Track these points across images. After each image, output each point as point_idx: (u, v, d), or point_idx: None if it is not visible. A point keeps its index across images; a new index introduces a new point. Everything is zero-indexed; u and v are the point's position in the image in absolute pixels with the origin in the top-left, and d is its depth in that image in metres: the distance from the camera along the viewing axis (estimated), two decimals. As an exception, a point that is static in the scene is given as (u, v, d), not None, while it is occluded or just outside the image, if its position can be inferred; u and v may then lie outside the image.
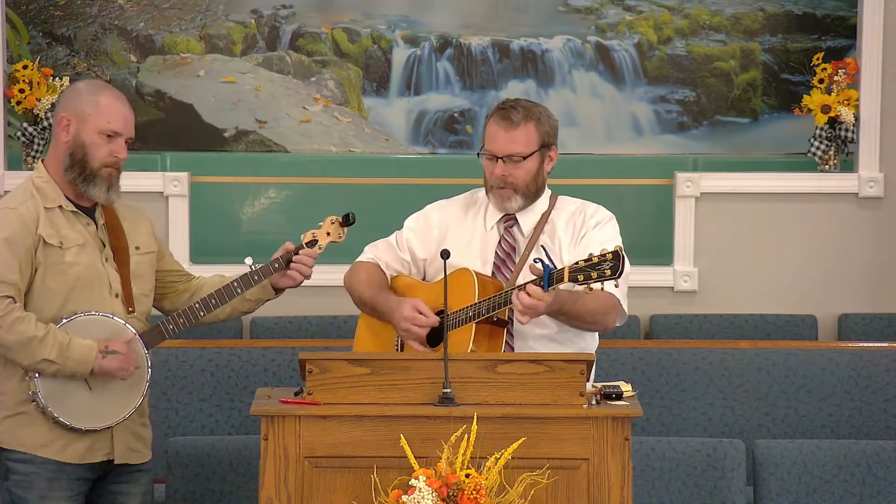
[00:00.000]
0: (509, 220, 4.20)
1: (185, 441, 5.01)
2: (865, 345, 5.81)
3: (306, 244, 4.17)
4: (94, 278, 3.97)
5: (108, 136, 3.96)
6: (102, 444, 4.00)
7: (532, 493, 3.55)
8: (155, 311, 4.22)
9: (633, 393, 3.82)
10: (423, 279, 4.27)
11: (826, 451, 4.95)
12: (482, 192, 4.26)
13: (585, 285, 3.80)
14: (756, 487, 4.95)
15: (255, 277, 4.12)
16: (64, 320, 3.90)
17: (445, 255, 3.97)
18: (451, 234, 4.22)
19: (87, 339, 3.89)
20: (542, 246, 3.96)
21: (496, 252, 4.17)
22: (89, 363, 3.88)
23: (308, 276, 4.18)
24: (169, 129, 6.74)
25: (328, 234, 4.20)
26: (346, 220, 4.20)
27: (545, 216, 4.18)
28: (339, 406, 3.69)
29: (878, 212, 6.60)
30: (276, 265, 4.14)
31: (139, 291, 4.07)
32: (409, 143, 6.76)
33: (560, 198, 4.25)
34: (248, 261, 4.16)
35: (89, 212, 4.03)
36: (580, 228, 4.16)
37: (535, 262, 3.84)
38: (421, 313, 4.06)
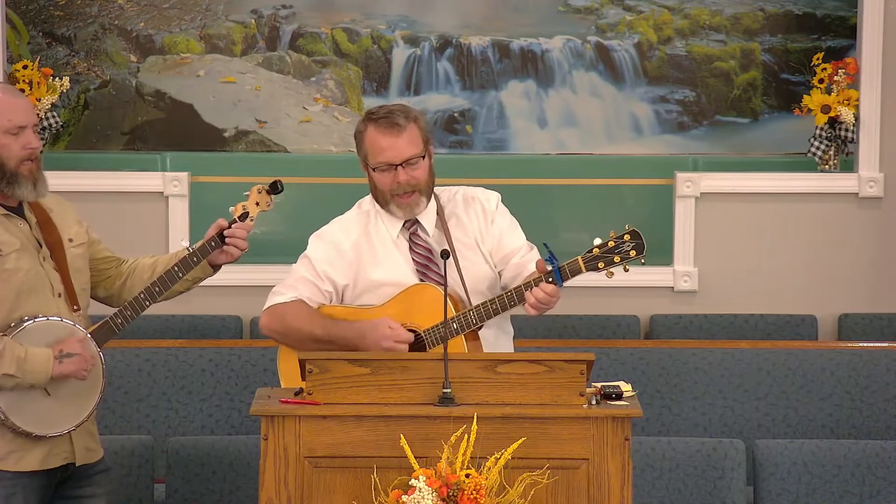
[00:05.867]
0: (412, 224, 4.19)
1: (185, 441, 5.01)
2: (865, 345, 5.81)
3: (238, 218, 4.10)
4: (37, 281, 3.88)
5: (14, 133, 3.86)
6: (62, 448, 3.92)
7: (532, 493, 3.55)
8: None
9: (633, 393, 3.81)
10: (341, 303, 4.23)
11: (826, 451, 4.95)
12: (366, 202, 4.24)
13: (607, 270, 3.89)
14: (756, 487, 4.95)
15: (195, 259, 4.06)
16: (14, 330, 3.82)
17: (445, 255, 3.96)
18: (365, 253, 4.17)
19: (40, 345, 3.81)
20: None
21: (413, 259, 4.16)
22: (47, 372, 3.80)
23: (244, 250, 4.11)
24: (169, 129, 6.74)
25: (257, 203, 4.12)
26: (274, 189, 4.13)
27: (440, 212, 4.20)
28: (339, 406, 3.68)
29: (878, 212, 6.60)
30: (213, 243, 4.07)
31: (80, 287, 3.99)
32: (409, 143, 6.75)
33: (435, 190, 4.23)
34: (184, 243, 4.13)
35: (18, 211, 3.93)
36: (482, 214, 4.19)
37: (546, 260, 3.88)
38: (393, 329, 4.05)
